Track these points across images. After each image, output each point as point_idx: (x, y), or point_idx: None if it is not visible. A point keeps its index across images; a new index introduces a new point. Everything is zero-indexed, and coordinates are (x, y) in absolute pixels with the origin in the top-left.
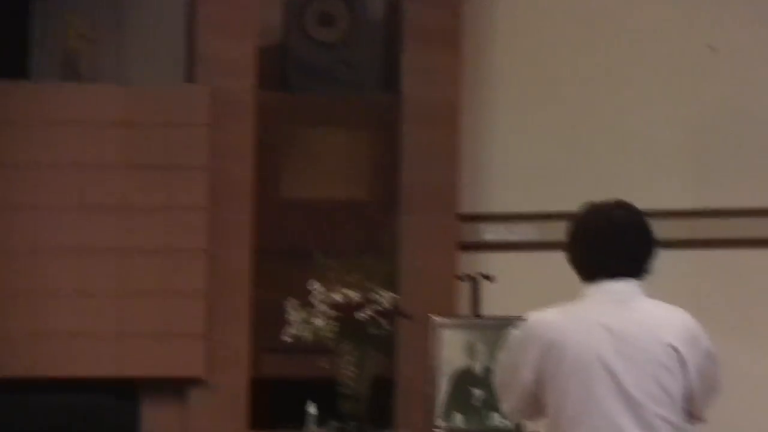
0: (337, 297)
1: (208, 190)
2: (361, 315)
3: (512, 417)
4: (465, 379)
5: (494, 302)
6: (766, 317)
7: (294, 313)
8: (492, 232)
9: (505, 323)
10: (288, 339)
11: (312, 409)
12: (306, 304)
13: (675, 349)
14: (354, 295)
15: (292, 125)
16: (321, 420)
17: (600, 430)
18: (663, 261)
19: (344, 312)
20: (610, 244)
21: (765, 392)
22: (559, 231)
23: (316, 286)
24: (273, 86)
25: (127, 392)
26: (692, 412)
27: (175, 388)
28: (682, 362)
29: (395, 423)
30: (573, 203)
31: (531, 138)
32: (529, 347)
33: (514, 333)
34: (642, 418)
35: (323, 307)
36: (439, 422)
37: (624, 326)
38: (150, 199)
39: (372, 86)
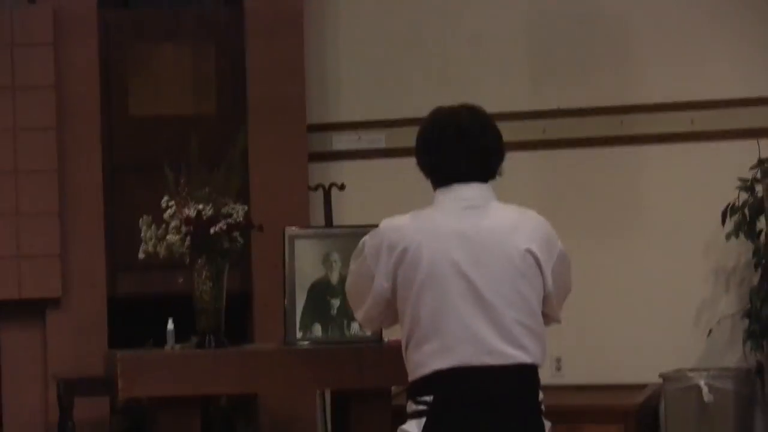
0: (189, 212)
1: (56, 110)
2: (214, 229)
3: (366, 325)
4: (322, 290)
5: (347, 211)
6: (610, 214)
7: (147, 230)
8: (341, 141)
9: (359, 232)
10: (142, 256)
11: (170, 325)
12: (159, 221)
13: (530, 253)
14: (206, 209)
15: (136, 41)
16: (180, 336)
17: (456, 335)
18: (514, 163)
19: (197, 227)
20: (459, 147)
21: (613, 285)
22: (406, 137)
23: (167, 202)
24: (115, 3)
25: None
26: (548, 314)
27: (33, 309)
28: (538, 265)
29: (253, 336)
30: (420, 109)
31: (375, 45)
32: (384, 255)
33: (366, 240)
34: (498, 323)
35: (175, 223)
36: (298, 334)
37: (478, 232)
38: None
39: None
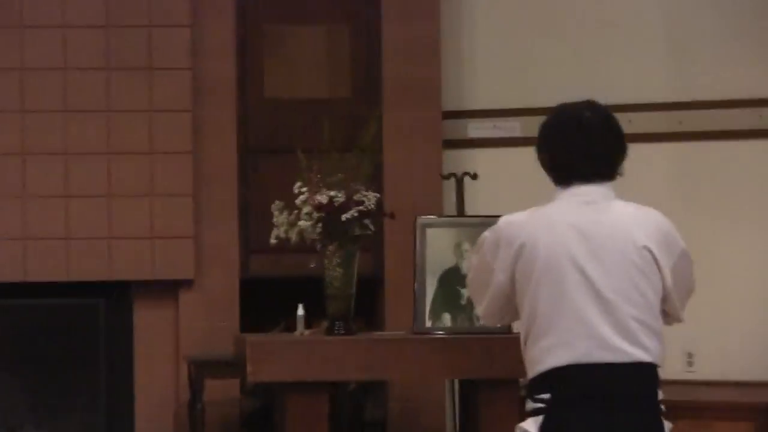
0: (322, 198)
1: (191, 92)
2: (346, 216)
3: (488, 320)
4: (452, 279)
5: (480, 200)
6: (746, 207)
7: (279, 216)
8: (476, 129)
9: (491, 221)
10: (274, 241)
11: (300, 311)
12: (291, 206)
13: (648, 250)
14: (338, 196)
15: (272, 23)
16: (311, 319)
17: (573, 331)
18: (646, 154)
19: (329, 213)
20: (580, 146)
21: (749, 278)
22: None
23: (300, 188)
24: None
25: (119, 295)
26: (669, 313)
27: (167, 290)
28: (656, 262)
29: (383, 323)
30: (556, 98)
31: (513, 31)
32: (502, 249)
33: (486, 236)
34: (616, 319)
35: (307, 209)
36: (428, 322)
37: (596, 228)
38: (133, 101)
39: None
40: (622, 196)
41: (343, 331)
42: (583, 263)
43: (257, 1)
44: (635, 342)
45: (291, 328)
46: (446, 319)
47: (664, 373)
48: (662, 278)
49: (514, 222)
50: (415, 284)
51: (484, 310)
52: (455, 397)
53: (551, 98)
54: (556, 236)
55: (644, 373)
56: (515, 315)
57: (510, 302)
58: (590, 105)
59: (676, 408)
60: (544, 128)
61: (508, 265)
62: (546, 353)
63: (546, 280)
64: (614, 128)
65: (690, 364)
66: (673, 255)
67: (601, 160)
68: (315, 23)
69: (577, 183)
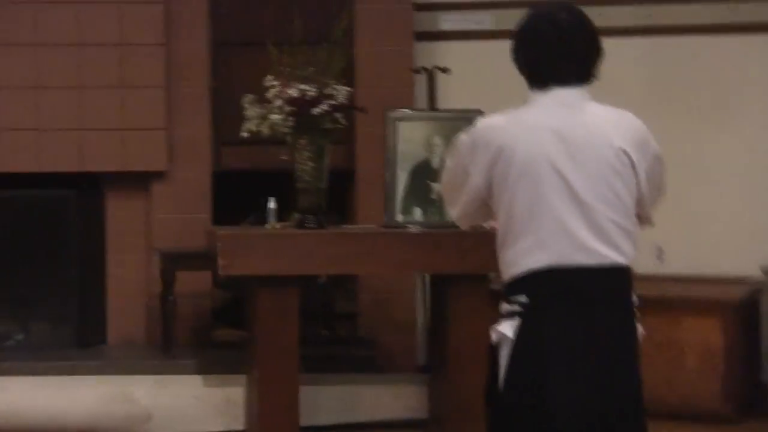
0: (293, 92)
1: None
2: (317, 110)
3: (461, 222)
4: (423, 173)
5: (452, 93)
6: (714, 102)
7: (250, 109)
8: (448, 21)
9: (462, 116)
10: (245, 134)
11: (272, 203)
12: (263, 99)
13: (625, 153)
14: (309, 90)
15: None
16: (282, 212)
17: (550, 232)
18: (617, 48)
19: (300, 107)
20: (556, 48)
21: (717, 174)
22: (514, 19)
23: (271, 81)
24: None
25: (91, 186)
26: (641, 215)
27: (138, 182)
28: (632, 165)
29: (355, 216)
30: None
31: None
32: (480, 152)
33: (462, 138)
34: (593, 221)
35: (279, 102)
36: (398, 216)
37: (574, 130)
38: None
39: None
40: (593, 90)
41: (313, 225)
42: (560, 166)
43: None
44: (611, 244)
45: (262, 221)
46: (417, 212)
47: (634, 268)
48: (637, 181)
49: (492, 125)
50: (386, 177)
51: (458, 213)
52: (426, 289)
53: None
54: (534, 139)
55: (620, 275)
56: (487, 218)
57: (485, 205)
58: (566, 6)
59: (645, 303)
60: (520, 30)
61: (486, 167)
62: (522, 255)
63: (524, 182)
64: (590, 30)
65: (660, 259)
66: (648, 158)
67: (579, 62)
68: None
69: (554, 85)
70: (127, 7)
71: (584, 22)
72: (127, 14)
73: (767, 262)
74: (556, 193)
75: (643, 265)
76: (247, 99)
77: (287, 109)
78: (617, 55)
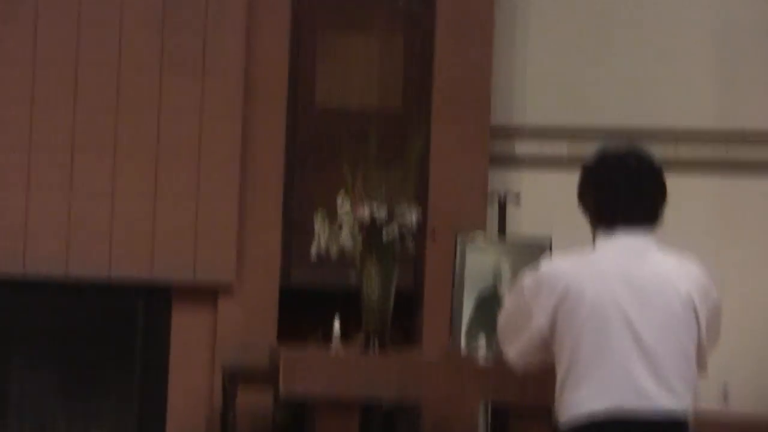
0: (363, 213)
1: (243, 96)
2: (387, 232)
3: (517, 362)
4: (489, 300)
5: (522, 220)
6: None
7: (320, 227)
8: (523, 147)
9: (531, 243)
10: (314, 253)
11: (336, 324)
12: (334, 218)
13: (691, 303)
14: (379, 211)
15: (326, 30)
16: (348, 331)
17: (614, 379)
18: (693, 185)
19: (369, 228)
20: (627, 192)
21: None
22: (589, 147)
23: (342, 202)
24: None
25: (159, 296)
26: (698, 362)
27: (206, 294)
28: (696, 314)
29: (420, 339)
30: (604, 120)
31: (563, 53)
32: (545, 293)
33: (525, 280)
34: (657, 370)
35: (349, 222)
36: (463, 342)
37: (642, 278)
38: (185, 102)
39: None
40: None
41: (378, 348)
42: (629, 313)
43: (313, 7)
44: (674, 393)
45: (327, 340)
46: (482, 339)
47: (697, 406)
48: (699, 329)
49: (557, 268)
50: (452, 302)
51: (515, 353)
52: (488, 422)
53: (599, 120)
54: (603, 284)
55: (679, 422)
56: (544, 359)
57: (544, 346)
58: (635, 151)
59: None
60: (589, 172)
61: (551, 309)
62: (584, 400)
63: (590, 327)
64: (659, 175)
65: (725, 398)
66: (709, 306)
67: (647, 207)
68: (370, 32)
69: (621, 229)
70: (207, 116)
71: (653, 167)
72: (206, 124)
73: None
74: (623, 340)
75: (707, 403)
76: (318, 217)
77: (357, 229)
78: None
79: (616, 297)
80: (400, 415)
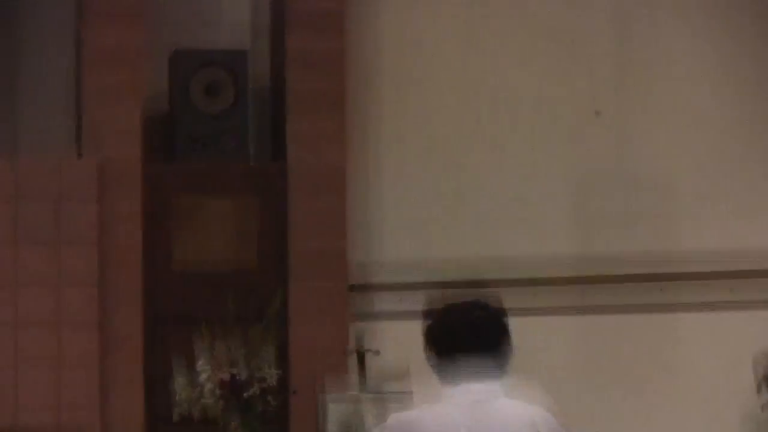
0: (224, 376)
1: (98, 264)
2: (248, 393)
3: None
4: None
5: (385, 372)
6: (647, 380)
7: (181, 392)
8: (382, 302)
9: (392, 397)
10: (176, 418)
11: None
12: (194, 378)
13: None
14: (240, 373)
15: (180, 194)
16: None
17: None
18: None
19: (231, 391)
20: (471, 346)
21: None
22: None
23: (202, 365)
24: (160, 156)
25: None
26: None
27: None
28: None
29: None
30: (460, 273)
31: (419, 202)
32: None
33: None
34: None
35: (210, 386)
36: None
37: (487, 426)
38: (40, 274)
39: (259, 154)
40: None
41: None
42: None
43: (166, 172)
44: None
45: None
46: None
47: None
48: None
49: (404, 420)
50: None
51: None
52: None
53: (454, 273)
54: None
55: None
56: None
57: None
58: (480, 304)
59: None
60: (434, 328)
61: None
62: None
63: None
64: (504, 328)
65: None
66: None
67: (492, 360)
68: (225, 195)
69: (466, 381)
70: (63, 282)
71: (499, 320)
72: (63, 294)
73: None
74: None
75: None
76: (178, 382)
77: (218, 392)
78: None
79: None
80: None
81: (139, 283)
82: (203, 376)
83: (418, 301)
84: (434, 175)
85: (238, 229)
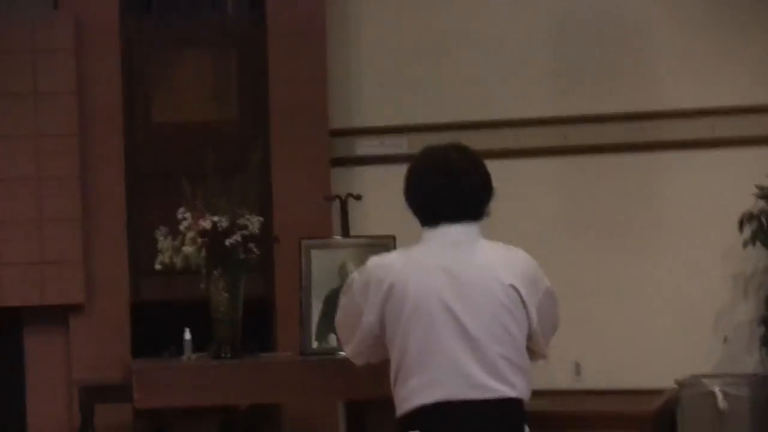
0: (205, 224)
1: (78, 117)
2: (230, 240)
3: (356, 359)
4: (337, 300)
5: (368, 217)
6: (629, 220)
7: (163, 241)
8: (364, 146)
9: (374, 242)
10: (159, 267)
11: (187, 335)
12: (176, 231)
13: (515, 289)
14: (221, 221)
15: (158, 48)
16: (200, 343)
17: (443, 369)
18: (536, 168)
19: (212, 238)
20: (449, 188)
21: (632, 290)
22: (428, 142)
23: (183, 214)
24: (137, 10)
25: (8, 321)
26: (534, 350)
27: (57, 315)
28: (522, 302)
29: (275, 345)
30: (443, 115)
31: (399, 51)
32: (372, 291)
33: (354, 277)
34: (484, 357)
35: (191, 234)
36: (314, 343)
37: (463, 268)
38: (19, 127)
39: (236, 5)
40: (508, 213)
41: (229, 355)
42: (451, 304)
43: (144, 26)
44: (502, 379)
45: (181, 351)
46: (332, 339)
47: (553, 383)
48: (528, 317)
49: (383, 264)
50: (301, 306)
51: (352, 350)
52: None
53: (438, 115)
54: (425, 277)
55: (511, 409)
56: (383, 354)
57: (378, 343)
58: (457, 147)
59: (563, 418)
60: (412, 171)
61: (378, 305)
62: (415, 392)
63: (416, 320)
64: (481, 170)
65: (578, 373)
66: (538, 294)
67: (469, 202)
68: (202, 47)
69: (444, 224)
70: (43, 140)
71: (476, 162)
72: (42, 147)
73: (681, 376)
74: (448, 331)
75: (561, 380)
76: (160, 231)
77: (200, 240)
78: (534, 175)
79: (438, 289)
80: (260, 417)
81: (120, 138)
82: (184, 224)
83: (398, 145)
84: (412, 20)
85: (217, 81)
